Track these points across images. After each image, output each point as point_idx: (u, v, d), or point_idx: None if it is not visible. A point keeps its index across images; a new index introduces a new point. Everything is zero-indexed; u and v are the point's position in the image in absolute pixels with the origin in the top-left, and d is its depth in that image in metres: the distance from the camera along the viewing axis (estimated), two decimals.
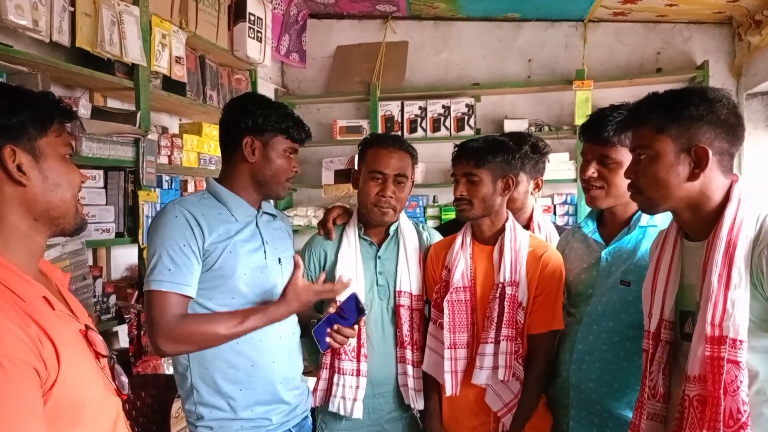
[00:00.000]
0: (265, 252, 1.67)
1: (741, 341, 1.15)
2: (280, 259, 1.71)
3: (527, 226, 2.13)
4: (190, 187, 3.12)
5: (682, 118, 1.23)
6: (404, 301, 1.87)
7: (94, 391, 1.02)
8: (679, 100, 1.25)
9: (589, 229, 1.76)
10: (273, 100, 1.74)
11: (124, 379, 1.15)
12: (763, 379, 1.19)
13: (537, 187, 2.17)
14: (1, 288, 0.94)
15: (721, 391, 1.14)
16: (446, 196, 4.32)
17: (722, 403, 1.13)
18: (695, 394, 1.19)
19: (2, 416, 0.84)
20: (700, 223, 1.28)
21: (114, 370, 1.13)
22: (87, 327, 1.08)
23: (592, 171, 1.66)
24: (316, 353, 1.95)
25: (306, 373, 1.82)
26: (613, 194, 1.65)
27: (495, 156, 1.76)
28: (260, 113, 1.64)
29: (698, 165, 1.23)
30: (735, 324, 1.15)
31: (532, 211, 2.18)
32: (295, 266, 1.64)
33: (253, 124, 1.64)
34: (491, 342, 1.70)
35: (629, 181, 1.37)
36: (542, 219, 2.20)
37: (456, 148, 1.82)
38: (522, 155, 2.07)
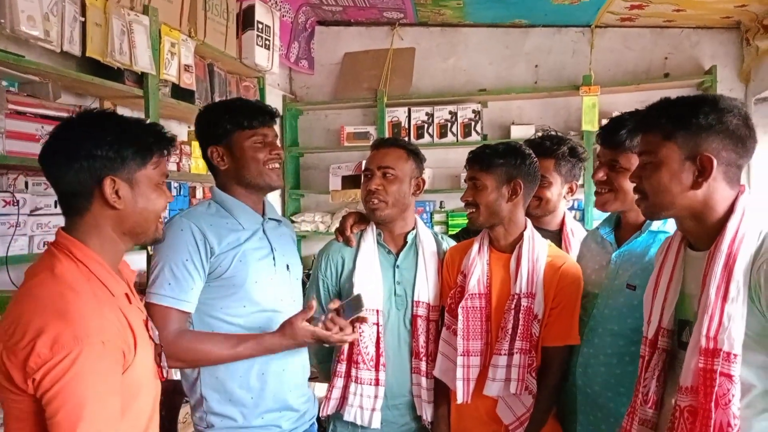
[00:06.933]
0: (274, 259, 1.67)
1: (735, 355, 1.14)
2: (288, 266, 1.72)
3: (560, 231, 2.10)
4: (199, 194, 3.15)
5: (690, 125, 1.22)
6: (421, 311, 1.85)
7: (147, 375, 1.23)
8: (689, 108, 1.24)
9: (606, 231, 1.76)
10: (224, 101, 1.72)
11: (166, 364, 1.36)
12: (756, 393, 1.18)
13: (570, 191, 2.14)
14: (99, 284, 1.16)
15: (713, 403, 1.13)
16: (453, 201, 4.32)
17: (713, 415, 1.13)
18: (686, 404, 1.18)
19: (95, 387, 1.04)
20: (703, 233, 1.27)
21: (160, 356, 1.32)
22: (147, 318, 1.30)
23: (601, 174, 1.68)
24: (327, 361, 1.94)
25: (311, 379, 1.82)
26: (620, 199, 1.65)
27: (502, 161, 1.74)
28: (209, 119, 1.64)
29: (702, 174, 1.22)
30: (730, 337, 1.14)
31: (564, 217, 2.15)
32: (306, 308, 1.59)
33: (208, 133, 1.65)
34: (504, 354, 1.68)
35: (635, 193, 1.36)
36: (575, 225, 2.17)
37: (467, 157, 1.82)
38: (559, 155, 2.07)
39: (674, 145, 1.24)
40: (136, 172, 1.20)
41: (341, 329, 1.61)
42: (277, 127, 1.78)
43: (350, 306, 1.64)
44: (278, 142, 1.73)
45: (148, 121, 1.28)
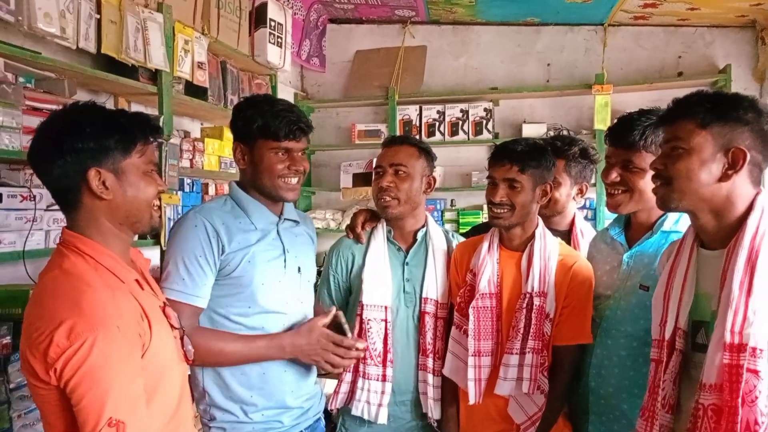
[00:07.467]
0: (285, 260, 1.66)
1: (761, 350, 1.12)
2: (299, 268, 1.70)
3: (569, 231, 2.08)
4: (211, 190, 3.17)
5: (729, 118, 1.23)
6: (429, 308, 1.85)
7: (170, 358, 1.26)
8: (728, 101, 1.25)
9: (616, 231, 1.75)
10: (268, 98, 1.67)
11: (191, 347, 1.38)
12: None
13: (580, 192, 2.11)
14: (109, 273, 1.18)
15: (739, 400, 1.11)
16: (464, 199, 4.33)
17: (740, 412, 1.10)
18: (710, 403, 1.16)
19: (115, 370, 1.08)
20: (719, 231, 1.27)
21: (183, 340, 1.35)
22: (164, 303, 1.33)
23: (614, 176, 1.65)
24: None
25: (321, 374, 1.82)
26: (635, 200, 1.63)
27: (539, 162, 1.71)
28: (241, 116, 1.62)
29: (733, 166, 1.22)
30: (756, 332, 1.13)
31: (574, 217, 2.13)
32: (328, 313, 1.63)
33: (236, 130, 1.64)
34: (516, 353, 1.67)
35: (653, 186, 1.35)
36: (585, 226, 2.14)
37: (495, 149, 1.76)
38: (569, 156, 2.04)
39: (709, 135, 1.23)
40: (121, 161, 1.20)
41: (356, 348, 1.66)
42: None
43: (339, 328, 1.67)
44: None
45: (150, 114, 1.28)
